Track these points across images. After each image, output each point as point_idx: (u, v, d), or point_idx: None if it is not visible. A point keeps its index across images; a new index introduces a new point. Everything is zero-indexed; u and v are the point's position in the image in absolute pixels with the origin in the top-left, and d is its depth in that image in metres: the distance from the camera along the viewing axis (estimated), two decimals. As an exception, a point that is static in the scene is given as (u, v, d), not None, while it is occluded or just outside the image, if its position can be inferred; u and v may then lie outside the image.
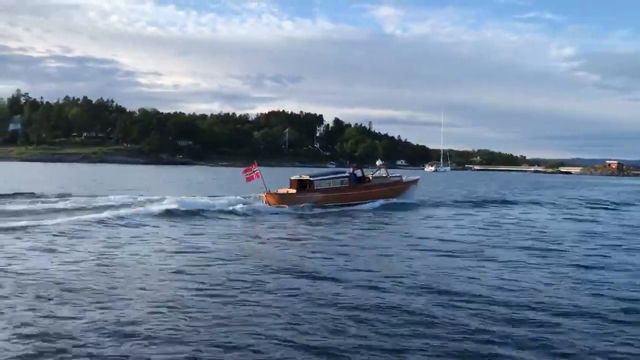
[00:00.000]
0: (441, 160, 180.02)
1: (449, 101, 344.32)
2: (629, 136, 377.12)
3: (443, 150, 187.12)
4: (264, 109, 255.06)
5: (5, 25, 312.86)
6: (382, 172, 36.82)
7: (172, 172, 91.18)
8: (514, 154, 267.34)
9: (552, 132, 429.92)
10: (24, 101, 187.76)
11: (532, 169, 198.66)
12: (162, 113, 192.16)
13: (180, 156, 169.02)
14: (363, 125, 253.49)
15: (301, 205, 29.48)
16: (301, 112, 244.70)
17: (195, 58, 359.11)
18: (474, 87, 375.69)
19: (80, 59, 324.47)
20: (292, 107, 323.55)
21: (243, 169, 31.97)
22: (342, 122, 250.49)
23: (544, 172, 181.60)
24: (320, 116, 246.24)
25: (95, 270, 13.03)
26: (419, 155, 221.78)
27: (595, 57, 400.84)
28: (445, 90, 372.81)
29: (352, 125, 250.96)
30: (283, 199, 30.11)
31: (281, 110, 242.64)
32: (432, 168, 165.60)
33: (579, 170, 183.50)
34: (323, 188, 31.40)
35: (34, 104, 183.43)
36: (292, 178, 32.48)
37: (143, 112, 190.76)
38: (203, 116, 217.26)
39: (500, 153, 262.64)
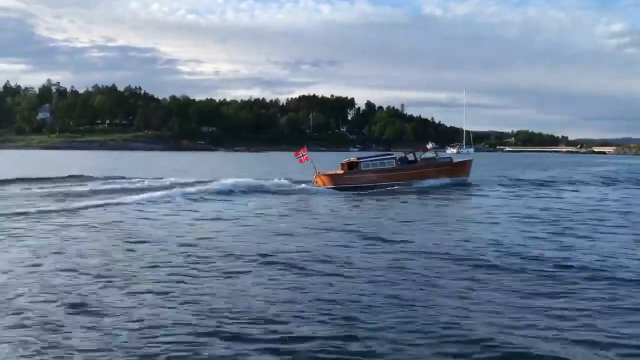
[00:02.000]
0: (464, 141, 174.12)
1: (491, 82, 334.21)
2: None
3: (466, 131, 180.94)
4: (302, 93, 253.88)
5: (53, 19, 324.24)
6: (432, 154, 38.17)
7: (162, 159, 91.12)
8: (555, 135, 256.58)
9: (600, 112, 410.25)
10: (55, 90, 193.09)
11: (565, 149, 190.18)
12: (193, 100, 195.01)
13: (202, 142, 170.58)
14: (395, 108, 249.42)
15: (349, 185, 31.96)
16: (332, 95, 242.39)
17: (234, 45, 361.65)
18: (518, 68, 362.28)
19: (122, 48, 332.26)
20: (331, 91, 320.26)
21: (294, 152, 34.47)
22: (374, 105, 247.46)
23: (577, 153, 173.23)
24: (352, 99, 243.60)
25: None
26: (451, 138, 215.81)
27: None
28: (488, 71, 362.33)
29: (385, 108, 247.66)
30: (332, 179, 32.48)
31: (312, 94, 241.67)
32: (454, 150, 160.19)
33: (612, 150, 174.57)
34: (370, 169, 33.34)
35: (62, 93, 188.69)
36: (342, 161, 34.55)
37: (173, 99, 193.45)
38: (233, 102, 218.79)
39: (540, 134, 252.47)
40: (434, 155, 38.13)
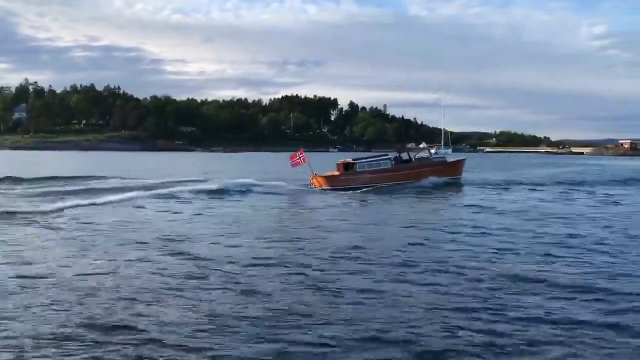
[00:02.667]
0: (442, 142, 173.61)
1: (477, 83, 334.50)
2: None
3: (444, 131, 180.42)
4: (288, 93, 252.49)
5: (36, 17, 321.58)
6: (426, 154, 38.39)
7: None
8: (538, 135, 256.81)
9: (586, 113, 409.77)
10: (32, 90, 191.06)
11: (544, 150, 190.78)
12: (174, 100, 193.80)
13: (179, 142, 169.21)
14: (378, 109, 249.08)
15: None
16: (315, 95, 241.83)
17: (221, 44, 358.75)
18: (504, 68, 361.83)
19: (107, 47, 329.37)
20: (317, 91, 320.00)
21: (291, 154, 34.53)
22: (357, 105, 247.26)
23: (556, 154, 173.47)
24: (335, 100, 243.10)
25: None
26: (432, 139, 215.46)
27: (628, 35, 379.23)
28: (474, 71, 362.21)
29: (368, 109, 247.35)
30: (328, 181, 32.72)
31: (295, 94, 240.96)
32: (433, 151, 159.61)
33: (590, 151, 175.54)
34: (366, 170, 33.76)
35: (39, 93, 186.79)
36: (338, 162, 34.94)
37: (153, 99, 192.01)
38: (214, 101, 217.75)
39: (522, 134, 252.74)
40: (428, 155, 38.47)
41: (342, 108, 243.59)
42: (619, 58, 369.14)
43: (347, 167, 34.25)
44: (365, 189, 31.63)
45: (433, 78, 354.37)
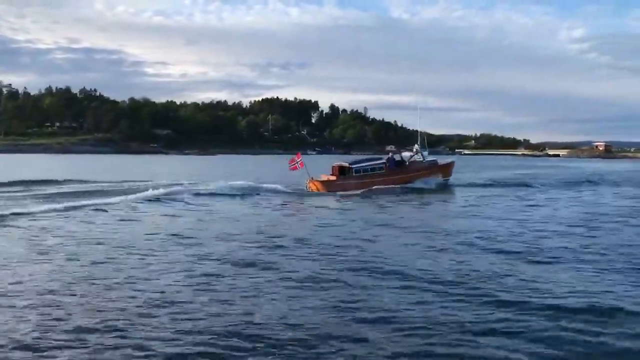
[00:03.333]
0: (418, 144, 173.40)
1: (460, 86, 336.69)
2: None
3: (421, 134, 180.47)
4: (272, 96, 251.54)
5: (15, 19, 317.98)
6: (419, 157, 39.00)
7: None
8: (517, 138, 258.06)
9: (567, 115, 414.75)
10: (6, 92, 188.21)
11: (521, 152, 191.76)
12: (153, 102, 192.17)
13: (154, 145, 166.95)
14: (359, 111, 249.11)
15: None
16: (295, 98, 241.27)
17: (203, 47, 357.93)
18: (486, 71, 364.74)
19: (87, 50, 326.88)
20: (300, 93, 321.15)
21: (291, 158, 34.49)
22: (338, 108, 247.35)
23: (532, 156, 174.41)
24: (316, 102, 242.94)
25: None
26: (409, 141, 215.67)
27: (606, 38, 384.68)
28: (457, 74, 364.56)
29: (349, 111, 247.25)
30: (325, 185, 32.84)
31: (276, 97, 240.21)
32: (409, 154, 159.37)
33: (565, 153, 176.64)
34: (362, 174, 33.97)
35: (14, 95, 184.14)
36: (334, 165, 35.14)
37: (131, 101, 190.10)
38: (192, 103, 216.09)
39: (502, 137, 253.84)
40: (421, 158, 39.17)
41: (322, 111, 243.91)
42: (598, 61, 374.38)
43: (342, 171, 34.42)
44: (362, 192, 32.04)
45: (417, 81, 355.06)
